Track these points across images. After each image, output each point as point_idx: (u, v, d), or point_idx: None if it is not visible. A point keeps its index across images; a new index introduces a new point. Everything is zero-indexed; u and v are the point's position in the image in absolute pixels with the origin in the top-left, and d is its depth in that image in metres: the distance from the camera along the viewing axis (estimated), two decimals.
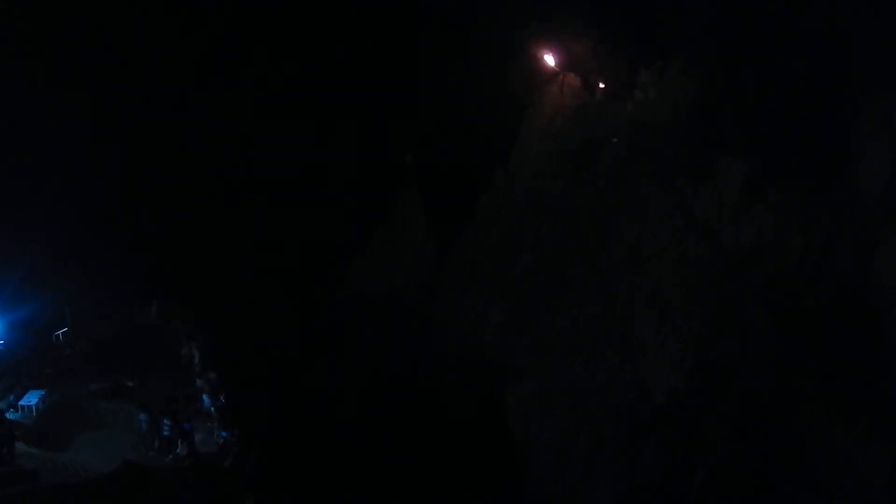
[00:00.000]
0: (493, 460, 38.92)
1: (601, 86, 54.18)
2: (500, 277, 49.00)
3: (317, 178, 61.94)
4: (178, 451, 33.11)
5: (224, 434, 34.61)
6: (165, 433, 33.63)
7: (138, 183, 59.22)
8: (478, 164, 56.65)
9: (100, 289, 47.66)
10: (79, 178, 55.90)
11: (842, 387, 25.87)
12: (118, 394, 37.90)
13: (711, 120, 39.52)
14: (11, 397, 35.90)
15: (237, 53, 64.34)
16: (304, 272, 56.65)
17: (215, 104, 61.42)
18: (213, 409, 36.48)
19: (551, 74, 57.04)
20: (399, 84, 63.36)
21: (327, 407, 43.13)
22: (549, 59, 57.41)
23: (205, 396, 37.58)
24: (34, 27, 59.28)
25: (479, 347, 46.90)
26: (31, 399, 35.59)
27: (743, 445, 27.91)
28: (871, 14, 35.09)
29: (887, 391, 24.93)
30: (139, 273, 51.03)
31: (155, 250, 55.35)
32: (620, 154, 44.89)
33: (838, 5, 37.18)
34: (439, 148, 59.69)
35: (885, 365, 25.51)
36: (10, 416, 34.79)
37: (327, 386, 45.15)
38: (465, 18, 59.21)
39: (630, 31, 50.62)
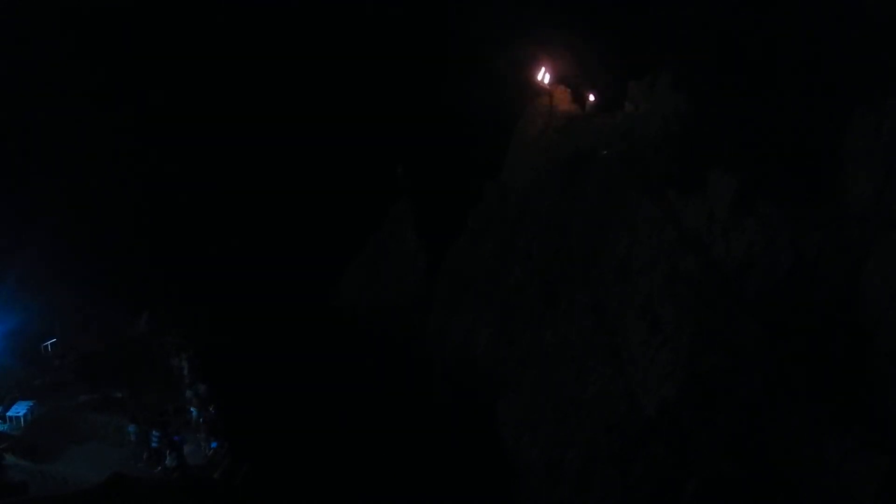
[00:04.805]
0: (484, 472, 38.86)
1: (591, 99, 54.40)
2: (491, 290, 49.03)
3: (308, 190, 61.95)
4: (167, 462, 33.02)
5: (213, 445, 34.54)
6: (154, 445, 33.56)
7: (129, 196, 59.18)
8: (469, 176, 56.76)
9: (89, 301, 47.54)
10: (70, 190, 55.83)
11: (832, 398, 25.93)
12: (107, 406, 37.81)
13: (701, 133, 39.69)
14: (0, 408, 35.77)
15: (234, 66, 64.40)
16: (295, 284, 56.58)
17: (208, 117, 61.49)
18: (202, 420, 36.39)
19: (542, 88, 57.23)
20: (390, 98, 63.51)
21: (318, 418, 42.97)
22: (540, 73, 57.61)
23: (193, 409, 37.50)
24: (32, 36, 59.31)
25: (470, 359, 46.90)
26: (19, 410, 35.46)
27: (734, 457, 27.90)
28: (857, 29, 35.38)
29: (878, 403, 25.01)
30: (129, 285, 50.87)
31: (145, 263, 55.21)
32: (611, 167, 45.01)
33: (826, 21, 37.47)
34: (430, 161, 59.78)
35: (876, 376, 25.59)
36: None
37: (318, 397, 44.98)
38: (456, 33, 59.42)
39: (620, 45, 50.88)
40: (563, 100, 55.47)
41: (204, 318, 48.94)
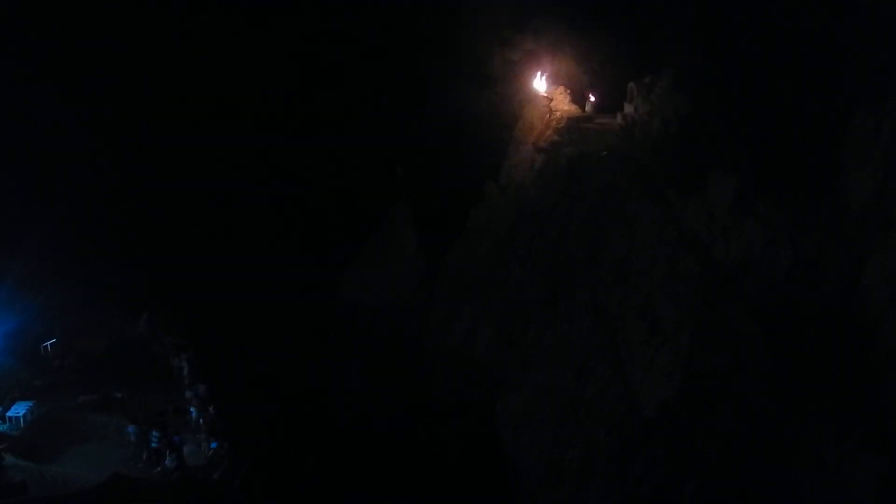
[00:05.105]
0: (483, 473, 38.86)
1: (591, 99, 54.36)
2: (491, 291, 49.01)
3: (308, 190, 61.96)
4: (166, 463, 33.04)
5: (213, 445, 34.56)
6: (154, 445, 33.58)
7: (128, 195, 59.17)
8: (468, 177, 56.70)
9: (89, 301, 47.56)
10: (69, 189, 55.83)
11: (832, 399, 25.96)
12: (107, 406, 37.89)
13: (701, 134, 39.73)
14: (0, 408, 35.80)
15: (233, 65, 64.36)
16: (294, 284, 56.55)
17: (207, 117, 61.45)
18: (202, 421, 36.41)
19: (542, 88, 57.20)
20: (389, 98, 63.47)
21: (317, 419, 43.03)
22: (540, 73, 57.59)
23: (193, 409, 37.52)
24: (32, 34, 59.31)
25: (470, 360, 46.86)
26: (18, 410, 35.50)
27: (733, 458, 27.93)
28: (858, 29, 35.41)
29: (878, 403, 25.03)
30: (128, 285, 50.88)
31: (144, 263, 55.23)
32: (610, 167, 45.01)
33: (826, 21, 37.52)
34: (430, 161, 59.73)
35: (876, 377, 25.61)
36: None
37: (317, 398, 45.04)
38: (455, 33, 59.38)
39: (620, 45, 50.88)
40: (563, 100, 55.45)
41: (204, 318, 48.92)
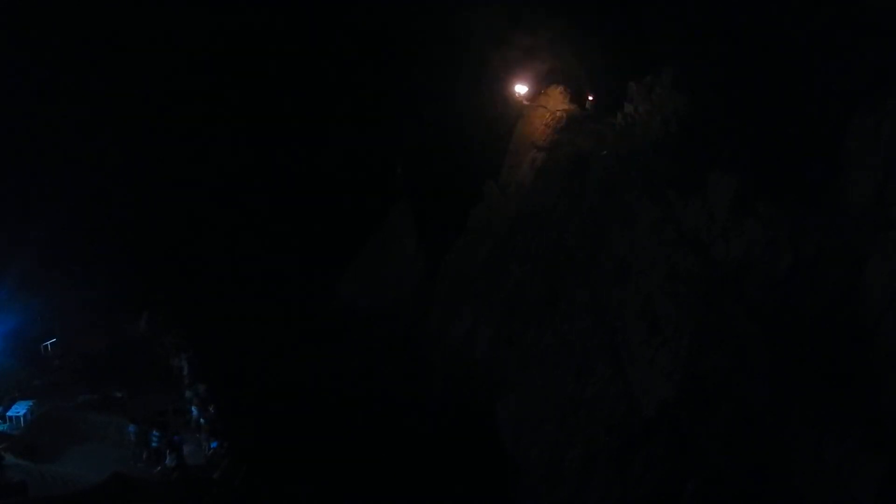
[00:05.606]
0: (483, 474, 38.84)
1: (591, 98, 54.33)
2: (491, 290, 49.02)
3: (308, 190, 61.97)
4: (166, 463, 33.03)
5: (213, 445, 34.55)
6: (154, 445, 33.58)
7: (129, 196, 59.21)
8: (468, 176, 56.70)
9: (89, 301, 47.60)
10: (69, 189, 55.84)
11: (832, 400, 25.92)
12: (107, 406, 37.88)
13: (701, 133, 39.67)
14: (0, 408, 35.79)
15: (233, 67, 64.40)
16: (294, 284, 56.59)
17: (208, 117, 61.48)
18: (202, 420, 36.40)
19: (541, 87, 57.18)
20: (390, 97, 63.48)
21: (317, 419, 43.00)
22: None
23: (193, 408, 37.52)
24: (32, 34, 59.33)
25: (470, 360, 46.88)
26: (19, 410, 35.48)
27: (733, 458, 27.92)
28: (858, 29, 35.37)
29: (878, 404, 25.00)
30: (129, 285, 50.91)
31: (145, 263, 55.25)
32: (611, 167, 45.00)
33: (826, 21, 37.46)
34: (430, 160, 59.75)
35: (876, 378, 25.57)
36: None
37: (317, 398, 45.01)
38: (456, 32, 59.37)
39: (620, 44, 50.82)
40: (563, 100, 55.42)
41: (204, 318, 48.95)
